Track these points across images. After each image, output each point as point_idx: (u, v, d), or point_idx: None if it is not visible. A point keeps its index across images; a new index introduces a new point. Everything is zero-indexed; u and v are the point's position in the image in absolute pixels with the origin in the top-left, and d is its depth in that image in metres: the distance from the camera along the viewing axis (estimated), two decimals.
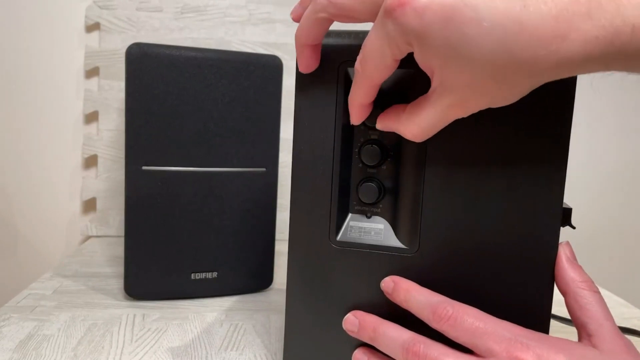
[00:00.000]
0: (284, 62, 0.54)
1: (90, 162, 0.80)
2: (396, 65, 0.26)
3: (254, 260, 0.55)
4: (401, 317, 0.32)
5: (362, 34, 0.30)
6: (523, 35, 0.22)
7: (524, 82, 0.24)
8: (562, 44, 0.22)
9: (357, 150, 0.34)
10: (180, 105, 0.50)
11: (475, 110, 0.26)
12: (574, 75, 0.24)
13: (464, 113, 0.26)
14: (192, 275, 0.53)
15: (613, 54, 0.22)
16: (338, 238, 0.34)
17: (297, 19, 0.31)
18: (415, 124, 0.28)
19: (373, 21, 0.26)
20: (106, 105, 0.78)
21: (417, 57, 0.25)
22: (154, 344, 0.43)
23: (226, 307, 0.52)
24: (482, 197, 0.31)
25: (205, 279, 0.53)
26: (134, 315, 0.49)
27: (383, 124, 0.31)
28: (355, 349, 0.34)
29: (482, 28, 0.22)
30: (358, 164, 0.34)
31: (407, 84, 0.31)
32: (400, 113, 0.29)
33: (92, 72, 0.79)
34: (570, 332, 0.31)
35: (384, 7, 0.24)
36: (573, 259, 0.31)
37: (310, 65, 0.32)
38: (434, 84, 0.26)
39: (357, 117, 0.30)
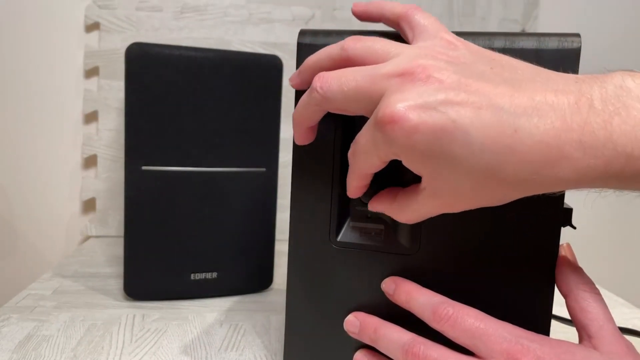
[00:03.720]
0: (284, 62, 0.53)
1: (90, 162, 0.80)
2: (384, 165, 0.27)
3: (254, 260, 0.55)
4: (402, 317, 0.32)
5: (361, 34, 0.30)
6: (513, 159, 0.22)
7: (514, 195, 0.25)
8: (553, 169, 0.22)
9: None
10: (180, 105, 0.49)
11: (464, 210, 0.27)
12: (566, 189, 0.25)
13: (453, 211, 0.27)
14: (192, 275, 0.53)
15: (605, 179, 0.22)
16: (338, 239, 0.34)
17: (296, 87, 0.32)
18: (406, 214, 0.29)
19: (366, 116, 0.27)
20: (106, 105, 0.78)
21: (405, 164, 0.26)
22: (153, 345, 0.43)
23: (226, 307, 0.52)
24: None
25: (205, 279, 0.53)
26: (134, 316, 0.49)
27: (375, 207, 0.31)
28: (354, 350, 0.34)
29: (472, 150, 0.23)
30: None
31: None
32: (392, 199, 0.30)
33: (91, 72, 0.79)
34: (571, 333, 0.31)
35: (376, 118, 0.25)
36: (574, 260, 0.31)
37: (306, 140, 0.32)
38: (423, 184, 0.26)
39: (353, 194, 0.31)
